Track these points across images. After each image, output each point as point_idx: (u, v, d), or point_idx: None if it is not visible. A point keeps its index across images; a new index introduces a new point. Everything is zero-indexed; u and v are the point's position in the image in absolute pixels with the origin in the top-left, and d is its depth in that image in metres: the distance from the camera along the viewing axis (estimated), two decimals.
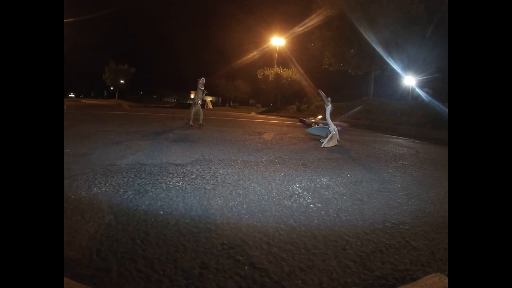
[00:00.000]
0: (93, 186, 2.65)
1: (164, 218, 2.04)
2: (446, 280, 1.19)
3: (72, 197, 2.34)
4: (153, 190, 2.63)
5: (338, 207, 2.47)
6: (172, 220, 2.02)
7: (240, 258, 1.58)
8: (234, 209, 2.28)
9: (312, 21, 21.71)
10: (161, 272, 1.41)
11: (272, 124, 12.92)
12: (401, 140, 8.49)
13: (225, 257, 1.58)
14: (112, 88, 55.92)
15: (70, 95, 58.59)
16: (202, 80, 8.93)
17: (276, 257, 1.61)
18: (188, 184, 2.85)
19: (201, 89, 8.93)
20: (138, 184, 2.77)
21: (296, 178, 3.32)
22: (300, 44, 25.53)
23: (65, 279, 1.13)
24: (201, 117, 9.13)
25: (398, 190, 3.10)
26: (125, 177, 2.96)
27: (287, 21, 25.09)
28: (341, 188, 3.03)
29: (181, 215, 2.11)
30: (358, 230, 2.02)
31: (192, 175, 3.20)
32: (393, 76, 20.48)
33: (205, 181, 3.00)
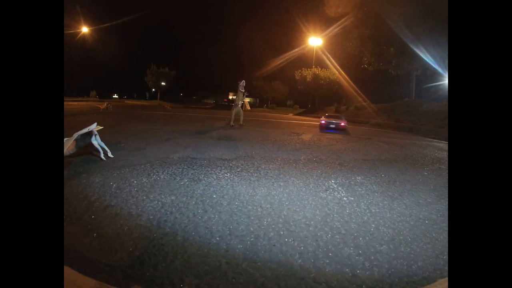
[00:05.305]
0: (152, 174, 3.17)
1: (217, 200, 2.48)
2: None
3: (135, 182, 2.86)
4: (205, 178, 3.09)
5: (369, 201, 2.73)
6: (224, 201, 2.47)
7: (282, 232, 1.96)
8: (276, 197, 2.66)
9: (348, 20, 21.34)
10: (222, 236, 1.85)
11: (310, 125, 13.11)
12: (442, 144, 8.30)
13: (270, 230, 1.97)
14: (153, 90, 58.70)
15: (113, 96, 62.61)
16: (243, 83, 9.42)
17: (313, 235, 1.97)
18: (235, 176, 3.28)
19: (241, 91, 9.43)
20: (192, 173, 3.25)
21: (332, 175, 3.61)
22: (338, 44, 25.08)
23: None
24: (241, 117, 9.64)
25: (430, 191, 3.25)
26: (179, 168, 3.46)
27: (324, 21, 24.88)
28: (374, 186, 3.27)
29: (231, 199, 2.54)
30: (385, 220, 2.30)
31: (238, 168, 3.63)
32: (436, 76, 19.28)
33: (249, 173, 3.41)
